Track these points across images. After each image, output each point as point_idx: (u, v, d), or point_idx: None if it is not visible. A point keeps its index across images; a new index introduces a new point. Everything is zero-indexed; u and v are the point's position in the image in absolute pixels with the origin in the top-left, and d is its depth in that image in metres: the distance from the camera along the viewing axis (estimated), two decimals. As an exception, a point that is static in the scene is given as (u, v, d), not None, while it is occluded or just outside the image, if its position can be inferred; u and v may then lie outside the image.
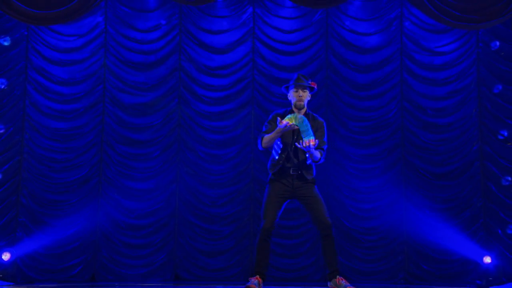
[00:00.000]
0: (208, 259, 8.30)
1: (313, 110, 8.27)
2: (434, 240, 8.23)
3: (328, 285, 5.16)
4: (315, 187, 5.29)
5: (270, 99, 8.46)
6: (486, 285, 7.93)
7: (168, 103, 8.58)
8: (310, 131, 5.04)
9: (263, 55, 8.64)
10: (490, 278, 8.05)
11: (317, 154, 5.12)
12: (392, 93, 8.59)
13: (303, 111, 5.30)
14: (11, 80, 8.44)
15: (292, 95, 5.34)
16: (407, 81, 8.61)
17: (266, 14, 8.66)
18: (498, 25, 8.32)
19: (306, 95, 5.32)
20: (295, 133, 5.17)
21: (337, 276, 5.11)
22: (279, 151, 5.23)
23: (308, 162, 5.21)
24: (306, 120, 5.10)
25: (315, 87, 5.39)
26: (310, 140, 4.96)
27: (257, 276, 5.15)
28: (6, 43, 8.46)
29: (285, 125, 4.99)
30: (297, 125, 5.05)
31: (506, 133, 8.40)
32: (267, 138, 5.20)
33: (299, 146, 5.01)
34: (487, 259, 8.11)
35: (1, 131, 8.35)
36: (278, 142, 5.24)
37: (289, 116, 5.10)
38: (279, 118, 5.07)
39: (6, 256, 8.02)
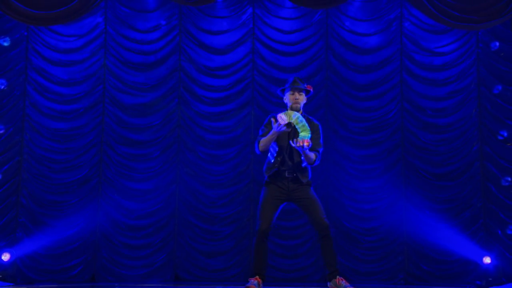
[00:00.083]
0: (208, 260, 8.30)
1: (312, 110, 8.38)
2: (434, 241, 8.23)
3: (328, 285, 5.16)
4: (311, 188, 5.29)
5: (270, 99, 8.46)
6: (486, 286, 7.93)
7: (168, 104, 8.58)
8: (307, 126, 5.05)
9: (263, 55, 8.64)
10: (490, 279, 8.05)
11: (312, 155, 5.13)
12: (392, 94, 8.59)
13: (299, 113, 5.30)
14: (11, 81, 8.44)
15: (288, 98, 5.34)
16: (407, 81, 8.61)
17: (266, 15, 8.66)
18: (498, 26, 8.32)
19: (302, 98, 5.33)
20: (290, 136, 5.17)
21: (337, 277, 5.12)
22: (275, 154, 5.24)
23: (303, 164, 5.22)
24: (301, 117, 5.11)
25: (311, 90, 5.40)
26: (304, 140, 4.97)
27: (257, 277, 5.15)
28: (6, 44, 8.46)
29: (280, 129, 5.02)
30: (292, 122, 5.05)
31: (506, 134, 8.40)
32: (263, 141, 5.22)
33: (293, 144, 5.02)
34: (487, 260, 8.11)
35: (1, 132, 8.35)
36: (274, 145, 5.25)
37: (283, 112, 5.12)
38: (273, 120, 5.08)
39: (6, 257, 8.02)
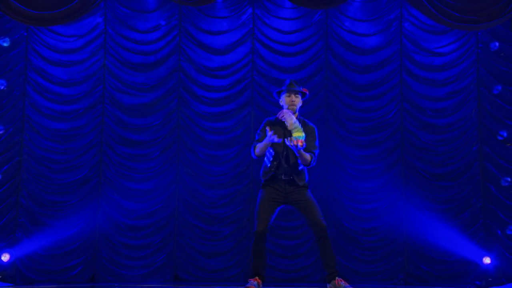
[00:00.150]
0: (207, 260, 8.31)
1: (312, 111, 8.39)
2: (434, 241, 8.23)
3: (327, 286, 5.16)
4: (308, 191, 5.31)
5: (270, 100, 8.45)
6: (485, 286, 7.93)
7: (167, 104, 8.58)
8: (300, 127, 5.10)
9: (262, 56, 8.64)
10: (490, 279, 8.05)
11: (307, 156, 5.14)
12: (391, 94, 8.59)
13: (295, 116, 5.30)
14: (10, 81, 8.44)
15: (284, 100, 5.36)
16: (406, 81, 8.61)
17: (265, 15, 8.66)
18: (498, 26, 8.32)
19: (298, 101, 5.35)
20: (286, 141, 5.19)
21: (336, 278, 5.12)
22: (271, 158, 5.26)
23: (300, 167, 5.23)
24: (295, 119, 5.15)
25: (307, 93, 5.42)
26: (298, 140, 4.98)
27: (256, 277, 5.16)
28: (5, 44, 8.46)
29: (273, 140, 5.05)
30: (294, 124, 5.08)
31: (505, 134, 8.40)
32: (258, 147, 5.25)
33: (287, 143, 5.04)
34: (487, 260, 8.11)
35: (1, 132, 8.34)
36: (270, 149, 5.27)
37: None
38: (267, 128, 5.08)
39: (5, 257, 8.02)
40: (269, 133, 5.06)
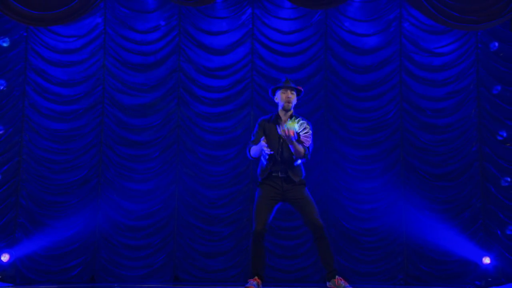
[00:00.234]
0: (207, 260, 8.30)
1: (312, 111, 8.39)
2: (434, 241, 8.23)
3: (327, 285, 5.16)
4: (305, 188, 5.30)
5: (269, 100, 8.38)
6: (485, 286, 7.93)
7: (167, 104, 8.58)
8: (295, 121, 5.12)
9: (262, 56, 8.65)
10: (489, 279, 8.05)
11: (300, 148, 5.15)
12: (391, 94, 8.59)
13: (290, 113, 5.32)
14: (10, 81, 8.44)
15: (280, 97, 5.37)
16: (406, 82, 8.61)
17: (265, 15, 8.66)
18: (497, 26, 8.32)
19: (294, 98, 5.36)
20: (282, 140, 5.20)
21: (336, 276, 5.12)
22: (267, 157, 5.26)
23: (295, 163, 5.23)
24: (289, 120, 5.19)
25: (302, 90, 5.44)
26: (290, 130, 4.99)
27: (256, 277, 5.15)
28: (5, 44, 8.46)
29: (264, 151, 5.09)
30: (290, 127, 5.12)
31: (505, 134, 8.40)
32: (253, 149, 5.28)
33: (279, 132, 5.07)
34: (487, 260, 8.11)
35: (0, 132, 8.34)
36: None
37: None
38: (262, 138, 5.10)
39: (5, 257, 8.01)
40: (263, 142, 5.08)
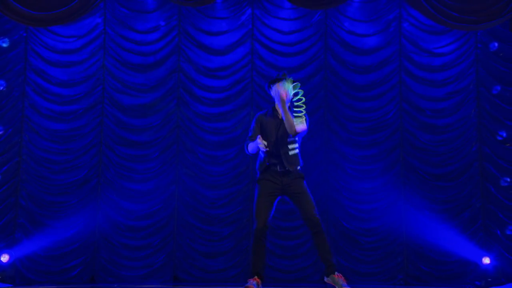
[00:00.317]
0: (207, 260, 8.30)
1: (312, 111, 8.37)
2: (433, 241, 8.23)
3: (325, 280, 5.18)
4: (304, 182, 5.31)
5: (269, 100, 8.39)
6: (485, 286, 7.94)
7: (167, 105, 8.58)
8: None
9: (262, 56, 8.65)
10: (489, 279, 8.06)
11: (291, 116, 5.18)
12: (391, 94, 8.60)
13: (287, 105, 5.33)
14: (10, 82, 8.44)
15: (275, 90, 5.35)
16: (406, 82, 8.61)
17: (265, 16, 8.66)
18: (497, 26, 8.32)
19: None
20: (279, 133, 5.23)
21: (335, 272, 5.13)
22: (264, 150, 5.26)
23: (291, 152, 5.22)
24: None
25: (299, 84, 5.45)
26: (285, 90, 5.13)
27: (256, 277, 5.15)
28: (4, 45, 8.46)
29: (260, 148, 5.12)
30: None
31: (505, 134, 8.41)
32: (251, 146, 5.31)
33: (276, 102, 5.22)
34: (486, 260, 8.11)
35: (0, 133, 8.34)
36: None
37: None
38: (258, 137, 5.12)
39: (5, 258, 8.01)
40: (258, 140, 5.10)
